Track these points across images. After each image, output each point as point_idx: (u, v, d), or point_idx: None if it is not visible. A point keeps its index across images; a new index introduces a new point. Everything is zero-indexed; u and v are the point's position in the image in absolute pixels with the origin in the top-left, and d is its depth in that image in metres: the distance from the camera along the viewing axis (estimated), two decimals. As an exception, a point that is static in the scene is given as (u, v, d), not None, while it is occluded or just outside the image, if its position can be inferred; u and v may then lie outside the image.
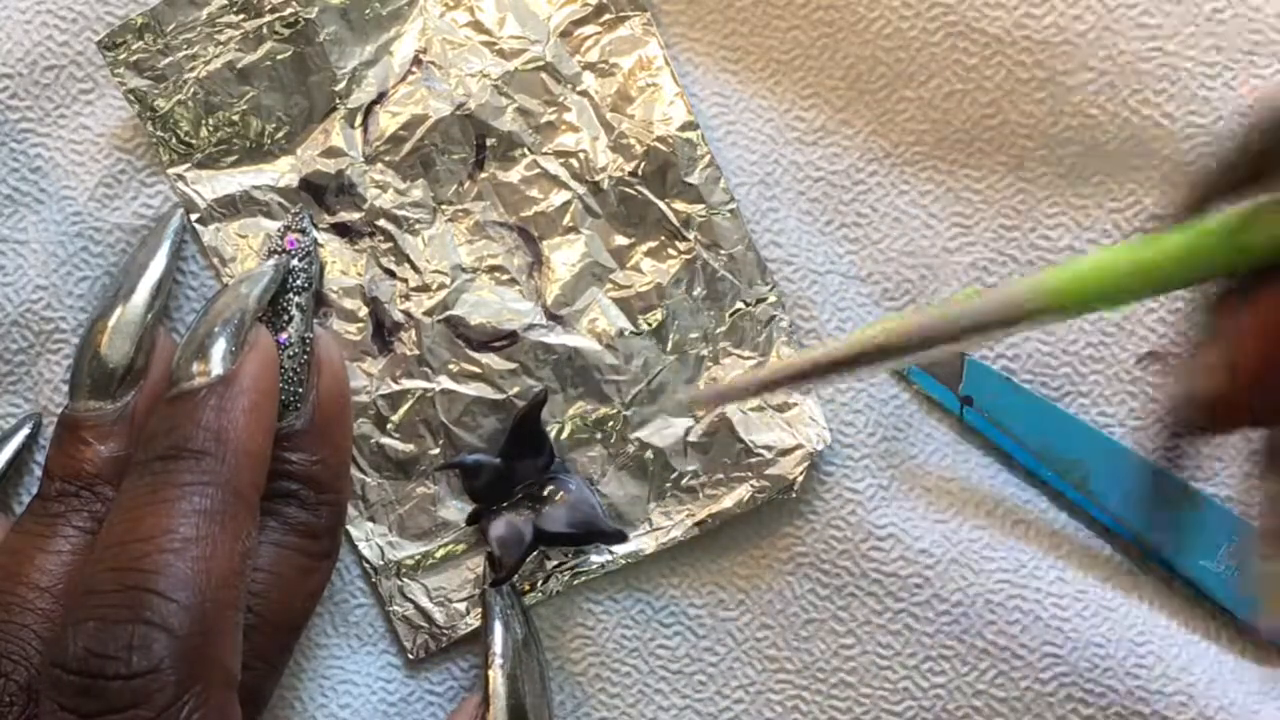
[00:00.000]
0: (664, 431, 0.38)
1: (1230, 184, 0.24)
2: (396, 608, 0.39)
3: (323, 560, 0.36)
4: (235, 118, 0.38)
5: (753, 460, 0.38)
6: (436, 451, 0.38)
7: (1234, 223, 0.23)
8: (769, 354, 0.38)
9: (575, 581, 0.38)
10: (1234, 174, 0.23)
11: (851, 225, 0.39)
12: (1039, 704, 0.37)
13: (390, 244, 0.38)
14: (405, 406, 0.38)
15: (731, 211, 0.38)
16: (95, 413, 0.35)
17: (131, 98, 0.38)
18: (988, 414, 0.38)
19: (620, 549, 0.38)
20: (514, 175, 0.38)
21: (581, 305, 0.38)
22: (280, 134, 0.39)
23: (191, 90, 0.38)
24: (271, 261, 0.37)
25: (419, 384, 0.38)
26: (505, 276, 0.38)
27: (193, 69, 0.38)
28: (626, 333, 0.38)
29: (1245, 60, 0.37)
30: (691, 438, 0.38)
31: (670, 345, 0.38)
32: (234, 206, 0.39)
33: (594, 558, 0.38)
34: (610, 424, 0.38)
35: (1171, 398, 0.24)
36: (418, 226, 0.38)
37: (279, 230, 0.38)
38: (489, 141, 0.38)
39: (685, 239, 0.38)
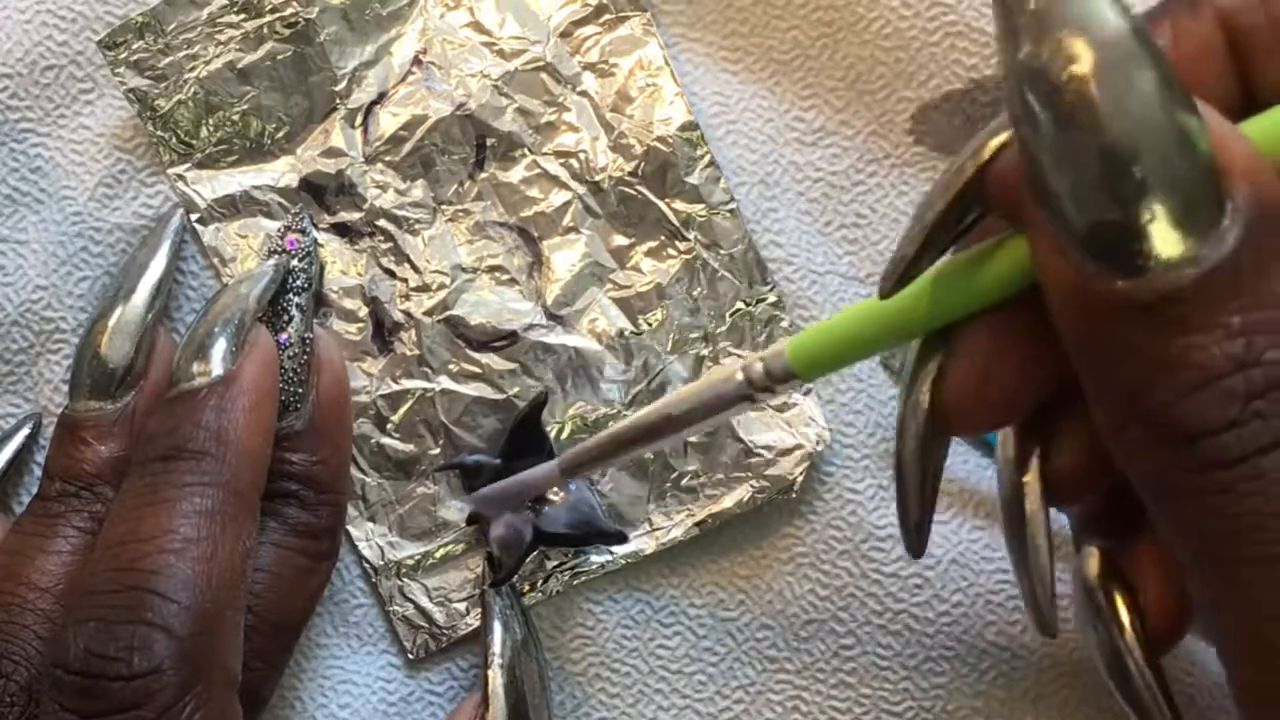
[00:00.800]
0: (664, 431, 0.38)
1: (936, 243, 0.26)
2: (396, 608, 0.39)
3: (323, 560, 0.36)
4: (235, 118, 0.38)
5: (753, 460, 0.38)
6: (436, 451, 0.38)
7: (966, 265, 0.26)
8: (769, 354, 0.38)
9: (575, 581, 0.38)
10: (942, 229, 0.26)
11: (851, 226, 0.39)
12: (1039, 704, 0.37)
13: (390, 244, 0.38)
14: (405, 406, 0.38)
15: (731, 211, 0.38)
16: (95, 413, 0.35)
17: (131, 97, 0.38)
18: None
19: (620, 549, 0.38)
20: (514, 175, 0.38)
21: (581, 305, 0.38)
22: (280, 134, 0.39)
23: (192, 90, 0.38)
24: (271, 261, 0.37)
25: (419, 384, 0.38)
26: (505, 276, 0.38)
27: (193, 69, 0.38)
28: (626, 333, 0.38)
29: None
30: (691, 438, 0.38)
31: (670, 345, 0.38)
32: (234, 206, 0.39)
33: (594, 558, 0.38)
34: (610, 424, 0.38)
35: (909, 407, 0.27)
36: (418, 226, 0.38)
37: (279, 230, 0.38)
38: (489, 141, 0.38)
39: (685, 239, 0.38)
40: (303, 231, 0.38)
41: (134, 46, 0.38)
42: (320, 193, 0.39)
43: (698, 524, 0.38)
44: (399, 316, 0.38)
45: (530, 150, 0.38)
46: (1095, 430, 0.25)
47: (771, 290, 0.38)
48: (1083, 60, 0.21)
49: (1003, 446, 0.28)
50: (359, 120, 0.38)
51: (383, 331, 0.38)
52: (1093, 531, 0.29)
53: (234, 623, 0.31)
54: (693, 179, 0.38)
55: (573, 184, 0.38)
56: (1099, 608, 0.28)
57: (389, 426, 0.38)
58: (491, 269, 0.38)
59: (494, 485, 0.37)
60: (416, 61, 0.38)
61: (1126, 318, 0.22)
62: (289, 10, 0.38)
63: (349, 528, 0.38)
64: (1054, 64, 0.22)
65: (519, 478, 0.36)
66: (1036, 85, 0.22)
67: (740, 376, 0.29)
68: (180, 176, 0.39)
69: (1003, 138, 0.24)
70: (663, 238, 0.38)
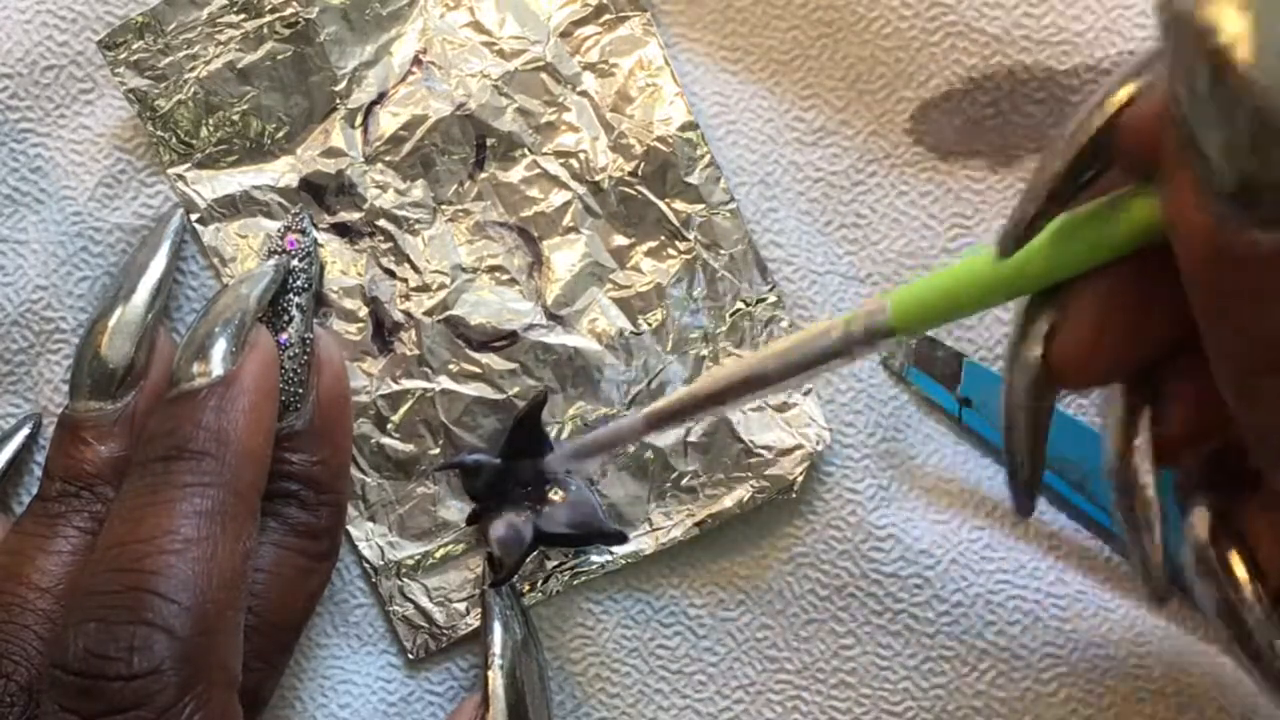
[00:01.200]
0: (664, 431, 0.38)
1: (1058, 200, 0.26)
2: (396, 608, 0.39)
3: (323, 561, 0.36)
4: (235, 118, 0.38)
5: (753, 460, 0.38)
6: (436, 451, 0.38)
7: (1084, 221, 0.26)
8: (769, 354, 0.38)
9: (575, 581, 0.38)
10: (1065, 185, 0.25)
11: (851, 226, 0.39)
12: (1039, 704, 0.37)
13: (390, 244, 0.38)
14: (405, 406, 0.38)
15: (731, 211, 0.38)
16: (95, 413, 0.35)
17: (131, 98, 0.38)
18: (986, 415, 0.38)
19: (620, 549, 0.38)
20: (514, 175, 0.38)
21: (581, 305, 0.38)
22: (280, 134, 0.39)
23: (192, 90, 0.38)
24: (272, 262, 0.37)
25: (419, 384, 0.38)
26: (505, 276, 0.38)
27: (193, 69, 0.38)
28: (626, 333, 0.38)
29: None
30: (691, 438, 0.38)
31: (670, 345, 0.38)
32: (234, 206, 0.39)
33: (594, 558, 0.38)
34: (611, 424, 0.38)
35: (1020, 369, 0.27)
36: (418, 226, 0.38)
37: (279, 230, 0.38)
38: (489, 141, 0.38)
39: (685, 239, 0.38)
40: (303, 232, 0.38)
41: (134, 46, 0.38)
42: (320, 193, 0.39)
43: (698, 524, 0.38)
44: (399, 316, 0.38)
45: (530, 150, 0.38)
46: (1204, 390, 0.25)
47: (771, 290, 0.38)
48: (1242, 12, 0.21)
49: (1110, 409, 0.28)
50: (359, 120, 0.38)
51: (383, 331, 0.38)
52: (1202, 489, 0.28)
53: (234, 623, 0.31)
54: (693, 179, 0.38)
55: (573, 184, 0.38)
56: (1213, 566, 0.27)
57: (389, 426, 0.38)
58: (491, 269, 0.38)
59: (582, 440, 0.36)
60: (416, 61, 0.38)
61: (1270, 268, 0.22)
62: (289, 10, 0.38)
63: (349, 528, 0.38)
64: (1212, 15, 0.21)
65: (606, 430, 0.35)
66: (1192, 36, 0.21)
67: (838, 332, 0.29)
68: (180, 176, 0.39)
69: (1129, 89, 0.24)
70: (663, 238, 0.38)
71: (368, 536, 0.39)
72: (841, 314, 0.29)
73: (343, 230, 0.39)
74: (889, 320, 0.28)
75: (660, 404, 0.33)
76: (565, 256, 0.38)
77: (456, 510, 0.39)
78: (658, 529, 0.38)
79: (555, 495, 0.38)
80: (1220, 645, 0.27)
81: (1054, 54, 0.37)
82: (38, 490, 0.35)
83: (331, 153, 0.38)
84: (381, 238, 0.38)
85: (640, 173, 0.38)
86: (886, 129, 0.39)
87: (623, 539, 0.38)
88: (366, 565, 0.39)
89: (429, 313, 0.38)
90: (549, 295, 0.38)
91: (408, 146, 0.38)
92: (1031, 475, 0.29)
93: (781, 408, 0.38)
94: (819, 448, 0.38)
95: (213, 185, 0.39)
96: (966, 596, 0.37)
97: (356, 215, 0.38)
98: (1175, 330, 0.25)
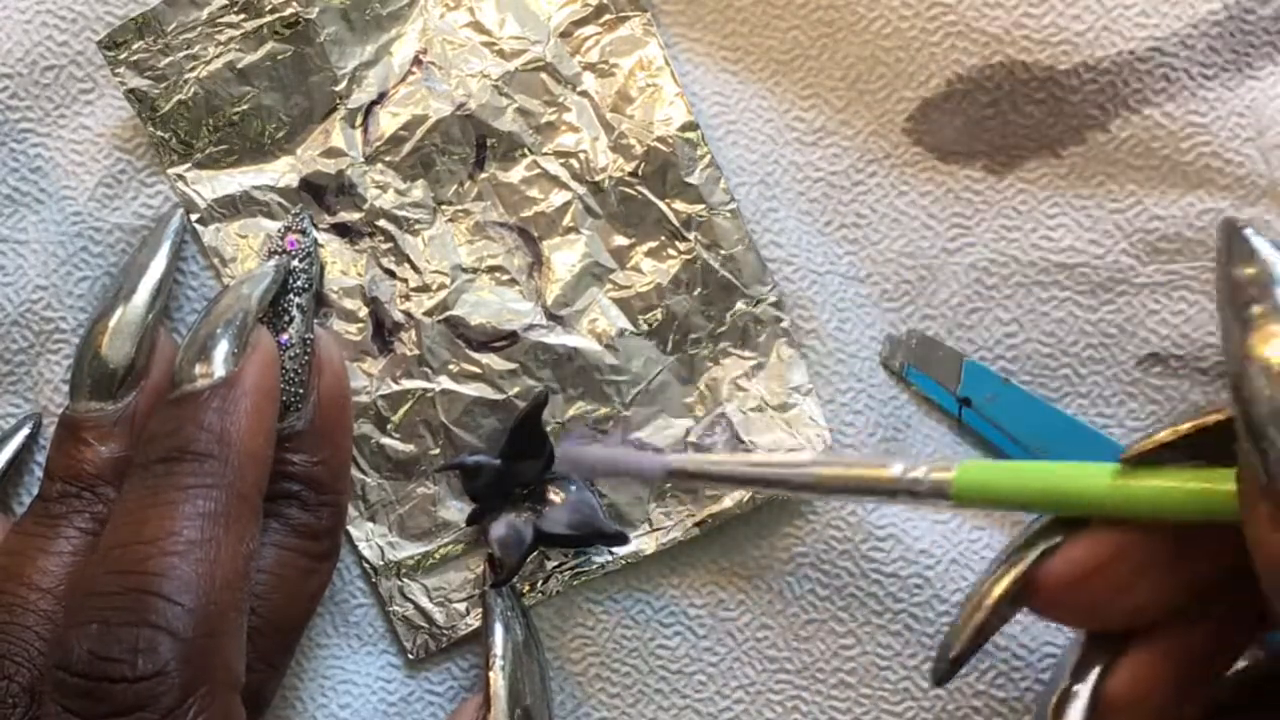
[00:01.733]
0: (664, 431, 0.38)
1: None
2: (396, 608, 0.39)
3: (324, 561, 0.36)
4: (235, 118, 0.38)
5: (753, 460, 0.38)
6: (436, 452, 0.38)
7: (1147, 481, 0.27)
8: (769, 354, 0.38)
9: (575, 582, 0.38)
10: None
11: (851, 226, 0.39)
12: (1039, 704, 0.37)
13: (390, 244, 0.38)
14: (405, 407, 0.38)
15: (731, 211, 0.38)
16: (96, 413, 0.35)
17: (131, 98, 0.38)
18: (986, 415, 0.38)
19: (620, 549, 0.38)
20: (514, 175, 0.38)
21: (581, 305, 0.38)
22: (280, 134, 0.39)
23: (192, 90, 0.38)
24: (272, 262, 0.37)
25: (419, 384, 0.38)
26: (505, 276, 0.38)
27: (193, 69, 0.38)
28: (626, 333, 0.38)
29: (1240, 61, 0.37)
30: (691, 438, 0.38)
31: (670, 345, 0.38)
32: (234, 207, 0.39)
33: (594, 558, 0.38)
34: (610, 424, 0.38)
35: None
36: (418, 226, 0.38)
37: (279, 231, 0.38)
38: (489, 141, 0.38)
39: (685, 239, 0.38)
40: (303, 232, 0.38)
41: (134, 46, 0.38)
42: (320, 193, 0.39)
43: (698, 524, 0.38)
44: (399, 316, 0.38)
45: (530, 150, 0.38)
46: (1158, 666, 0.28)
47: (771, 290, 0.38)
48: None
49: (1069, 654, 0.30)
50: (359, 120, 0.38)
51: (383, 331, 0.38)
52: None
53: (237, 624, 0.31)
54: (693, 179, 0.38)
55: (573, 184, 0.38)
56: None
57: (389, 427, 0.38)
58: (491, 269, 0.38)
59: (589, 449, 0.37)
60: (416, 61, 0.38)
61: None
62: (289, 10, 0.38)
63: (349, 528, 0.38)
64: None
65: (620, 455, 0.36)
66: None
67: (897, 473, 0.30)
68: (180, 176, 0.39)
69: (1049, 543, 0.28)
70: (663, 238, 0.38)
71: (368, 537, 0.39)
72: (905, 462, 0.30)
73: (343, 230, 0.39)
74: (948, 484, 0.29)
75: (688, 461, 0.34)
76: (565, 257, 0.38)
77: (456, 510, 0.39)
78: (658, 529, 0.38)
79: (555, 496, 0.38)
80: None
81: (1054, 54, 0.37)
82: (38, 491, 0.35)
83: (331, 153, 0.38)
84: (381, 238, 0.38)
85: (640, 173, 0.38)
86: (886, 129, 0.39)
87: (623, 539, 0.38)
88: (366, 565, 0.39)
89: (429, 313, 0.38)
90: (549, 295, 0.38)
91: (408, 146, 0.38)
92: (965, 655, 0.30)
93: (781, 408, 0.38)
94: (819, 448, 0.38)
95: (213, 185, 0.39)
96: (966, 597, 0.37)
97: (356, 215, 0.38)
98: (1163, 600, 0.27)
